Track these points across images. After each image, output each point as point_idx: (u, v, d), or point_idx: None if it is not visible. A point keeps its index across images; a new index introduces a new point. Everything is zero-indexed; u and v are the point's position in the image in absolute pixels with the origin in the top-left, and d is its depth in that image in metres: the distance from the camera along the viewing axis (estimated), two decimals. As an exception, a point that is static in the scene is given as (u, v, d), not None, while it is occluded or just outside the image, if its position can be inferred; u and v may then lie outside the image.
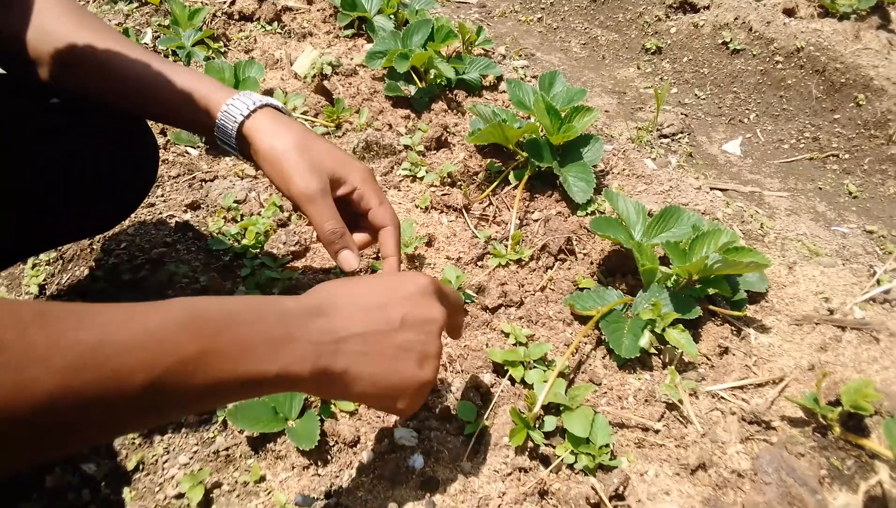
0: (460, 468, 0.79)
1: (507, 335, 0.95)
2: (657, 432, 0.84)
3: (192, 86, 0.75)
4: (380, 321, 0.59)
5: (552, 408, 0.85)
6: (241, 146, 0.75)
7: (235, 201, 1.19)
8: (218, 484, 0.78)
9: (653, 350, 0.92)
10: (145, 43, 1.63)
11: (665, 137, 1.69)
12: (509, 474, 0.79)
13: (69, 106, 0.82)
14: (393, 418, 0.85)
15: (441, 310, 0.64)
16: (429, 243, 1.13)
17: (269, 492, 0.77)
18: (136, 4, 1.78)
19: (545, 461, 0.81)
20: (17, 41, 0.75)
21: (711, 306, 0.99)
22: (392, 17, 1.70)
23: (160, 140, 1.33)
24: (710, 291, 0.96)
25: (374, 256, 1.09)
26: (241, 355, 0.50)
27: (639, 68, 2.00)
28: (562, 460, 0.79)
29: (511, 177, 1.23)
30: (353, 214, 0.76)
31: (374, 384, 0.59)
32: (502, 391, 0.88)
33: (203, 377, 0.48)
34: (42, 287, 1.20)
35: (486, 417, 0.84)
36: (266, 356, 0.52)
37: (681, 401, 0.85)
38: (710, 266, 0.92)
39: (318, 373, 0.55)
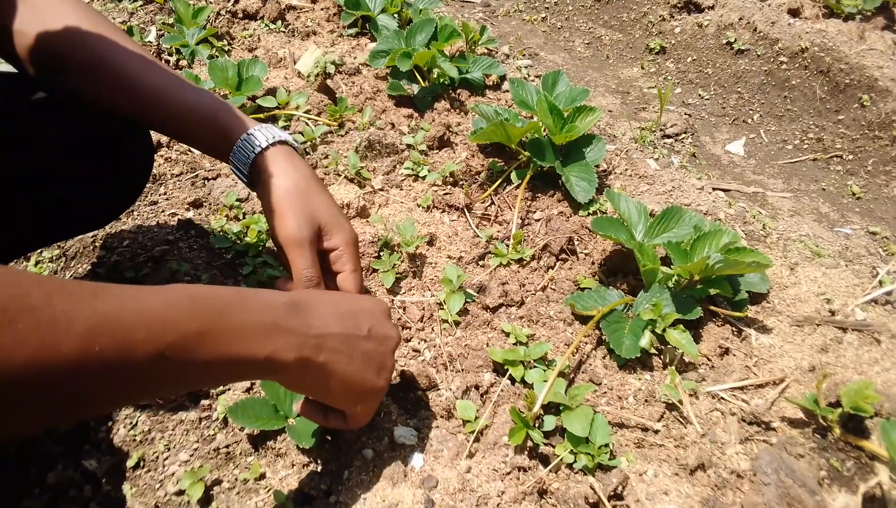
0: (459, 466, 0.79)
1: (508, 335, 0.95)
2: (657, 432, 0.84)
3: (212, 109, 0.79)
4: (352, 327, 0.66)
5: (552, 408, 0.85)
6: (251, 174, 0.78)
7: (238, 200, 1.20)
8: (218, 482, 0.78)
9: (653, 351, 0.92)
10: (149, 41, 1.63)
11: (668, 137, 1.69)
12: (508, 473, 0.79)
13: (61, 101, 0.82)
14: (393, 415, 0.85)
15: (397, 331, 0.72)
16: (430, 243, 1.13)
17: (269, 490, 0.77)
18: (140, 2, 1.78)
19: (544, 460, 0.81)
20: (8, 36, 0.75)
21: (712, 307, 0.99)
22: (395, 16, 1.70)
23: (163, 138, 1.33)
24: (712, 291, 0.96)
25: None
26: (235, 337, 0.55)
27: (643, 68, 2.00)
28: (561, 459, 0.79)
29: (513, 176, 1.23)
30: (324, 269, 0.78)
31: (343, 382, 0.65)
32: (502, 390, 0.88)
33: (201, 355, 0.52)
34: (45, 284, 1.20)
35: (485, 416, 0.84)
36: (257, 340, 0.57)
37: (681, 401, 0.85)
38: (711, 266, 0.92)
39: (302, 362, 0.60)
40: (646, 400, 0.87)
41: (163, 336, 0.50)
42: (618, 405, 0.87)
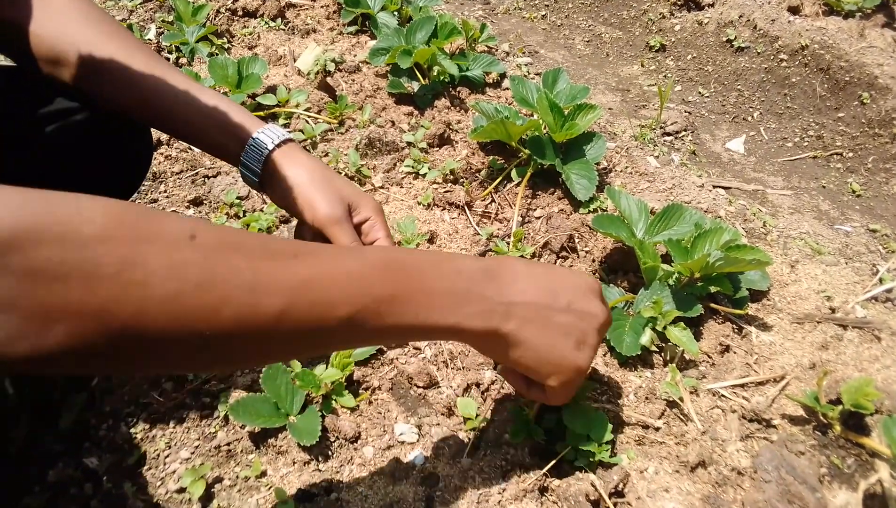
0: (461, 464, 0.80)
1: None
2: (657, 429, 0.84)
3: (222, 110, 0.79)
4: (548, 297, 0.64)
5: (553, 406, 0.85)
6: (264, 173, 0.80)
7: (238, 198, 1.20)
8: (219, 479, 0.79)
9: (654, 348, 0.92)
10: (149, 39, 1.63)
11: (668, 134, 1.68)
12: (510, 470, 0.79)
13: (62, 100, 0.82)
14: (394, 413, 0.85)
15: (604, 310, 0.69)
16: (430, 240, 1.13)
17: (270, 487, 0.77)
18: (139, 0, 1.78)
19: (545, 458, 0.81)
20: (23, 35, 0.75)
21: (713, 305, 0.99)
22: (396, 13, 1.70)
23: (163, 135, 1.33)
24: (712, 289, 0.96)
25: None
26: (426, 302, 0.57)
27: (643, 66, 2.00)
28: (562, 457, 0.80)
29: (513, 174, 1.23)
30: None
31: (534, 352, 0.64)
32: (503, 388, 0.88)
33: (391, 318, 0.55)
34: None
35: (486, 414, 0.85)
36: (447, 307, 0.58)
37: (681, 399, 0.85)
38: (711, 264, 0.92)
39: (488, 331, 0.61)
40: (646, 398, 0.87)
41: (357, 299, 0.52)
42: (618, 403, 0.87)
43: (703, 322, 0.98)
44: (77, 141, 0.83)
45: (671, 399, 0.86)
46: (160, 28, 1.67)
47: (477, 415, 0.84)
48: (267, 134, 0.79)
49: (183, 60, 1.60)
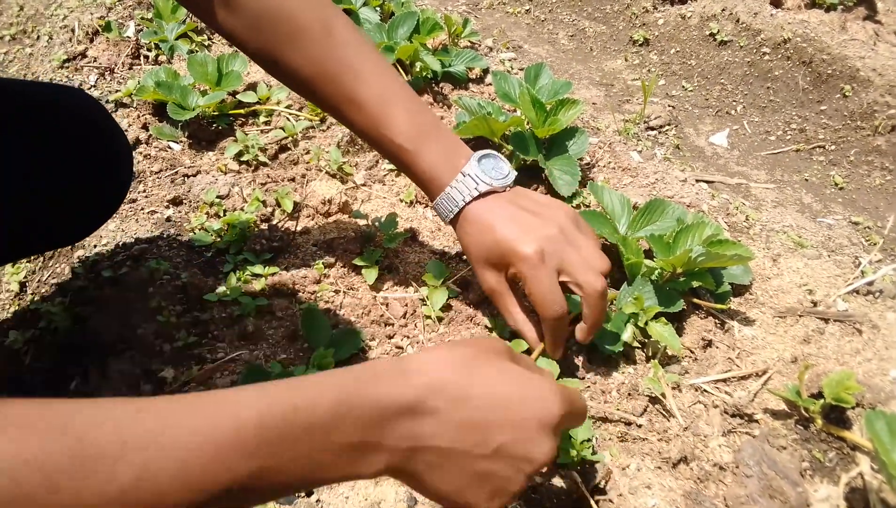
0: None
1: (491, 330, 0.95)
2: (640, 426, 0.83)
3: (415, 151, 0.80)
4: (471, 443, 0.52)
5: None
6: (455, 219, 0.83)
7: (218, 197, 1.18)
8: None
9: (636, 344, 0.92)
10: (128, 36, 1.61)
11: (652, 129, 1.68)
12: (492, 469, 0.78)
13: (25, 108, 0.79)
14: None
15: (548, 454, 0.55)
16: (413, 238, 1.12)
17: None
18: (118, -3, 1.75)
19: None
20: None
21: (695, 300, 0.99)
22: (378, 9, 1.68)
23: (142, 134, 1.32)
24: (695, 284, 0.96)
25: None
26: (304, 468, 0.46)
27: (626, 60, 2.00)
28: (545, 455, 0.79)
29: (496, 170, 1.23)
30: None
31: (435, 495, 0.54)
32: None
33: (252, 495, 0.44)
34: (23, 285, 1.19)
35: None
36: (333, 465, 0.47)
37: (663, 395, 0.85)
38: (693, 259, 0.92)
39: (383, 472, 0.51)
40: (629, 394, 0.87)
41: (206, 487, 0.41)
42: (601, 400, 0.86)
43: (686, 318, 0.98)
44: (51, 162, 0.81)
45: (654, 395, 0.86)
46: (139, 25, 1.65)
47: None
48: (455, 194, 0.80)
49: (163, 58, 1.58)
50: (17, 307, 1.14)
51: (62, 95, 0.87)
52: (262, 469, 0.43)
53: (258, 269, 1.03)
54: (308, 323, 0.91)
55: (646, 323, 0.90)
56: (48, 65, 1.59)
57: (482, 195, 0.80)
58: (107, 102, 1.43)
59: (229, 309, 0.98)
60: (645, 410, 0.85)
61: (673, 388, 0.87)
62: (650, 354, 0.92)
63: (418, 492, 0.55)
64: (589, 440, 0.79)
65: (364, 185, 1.23)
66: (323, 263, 1.04)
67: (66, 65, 1.56)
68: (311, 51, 0.77)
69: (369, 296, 1.01)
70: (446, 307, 0.99)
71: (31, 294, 1.15)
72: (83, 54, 1.58)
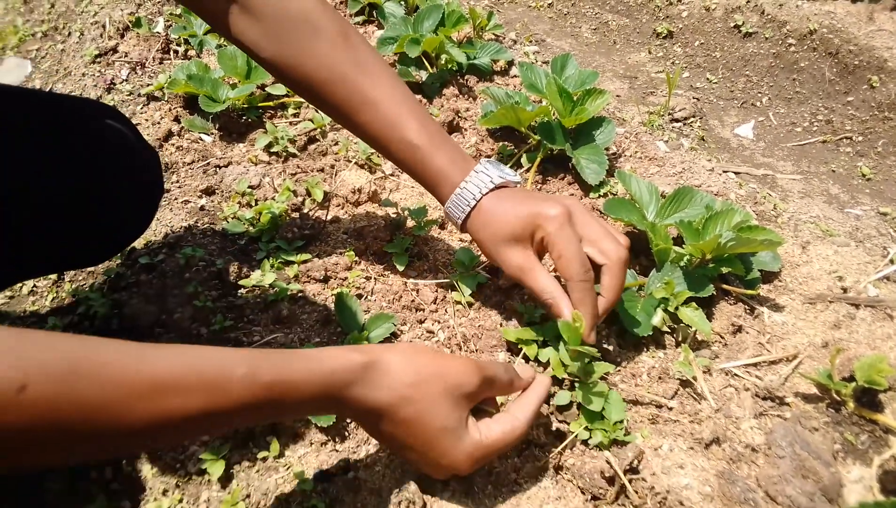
0: (476, 444, 0.80)
1: (522, 315, 0.96)
2: (670, 408, 0.84)
3: (428, 154, 0.83)
4: (398, 443, 0.67)
5: (566, 383, 0.86)
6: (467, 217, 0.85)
7: (250, 187, 1.20)
8: (238, 461, 0.80)
9: (666, 329, 0.92)
10: (157, 32, 1.64)
11: (677, 121, 1.68)
12: (524, 449, 0.80)
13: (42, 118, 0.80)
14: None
15: (442, 478, 0.73)
16: (441, 226, 1.13)
17: (289, 467, 0.78)
18: (148, -7, 1.78)
19: (560, 437, 0.81)
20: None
21: (724, 286, 0.99)
22: (402, 3, 1.70)
23: (174, 126, 1.34)
24: (724, 270, 0.97)
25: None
26: (271, 417, 0.69)
27: (650, 53, 2.00)
28: (576, 436, 0.80)
29: (524, 160, 1.24)
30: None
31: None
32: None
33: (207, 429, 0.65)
34: (61, 273, 1.21)
35: (500, 394, 0.85)
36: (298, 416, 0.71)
37: (694, 378, 0.86)
38: (723, 245, 0.92)
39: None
40: (659, 377, 0.87)
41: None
42: (632, 383, 0.87)
43: (715, 303, 0.98)
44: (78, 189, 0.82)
45: (684, 379, 0.87)
46: (168, 21, 1.67)
47: (491, 396, 0.85)
48: (465, 194, 0.82)
49: (191, 53, 1.60)
50: (54, 295, 1.17)
51: (96, 118, 0.86)
52: (237, 413, 0.56)
53: (291, 256, 1.05)
54: (341, 308, 0.93)
55: (676, 308, 0.91)
56: (80, 60, 1.62)
57: (496, 189, 0.82)
58: (139, 95, 1.46)
59: (264, 294, 1.00)
60: (676, 393, 0.86)
61: (704, 372, 0.88)
62: (679, 339, 0.93)
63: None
64: (621, 421, 0.80)
65: (392, 175, 1.25)
66: (354, 250, 1.06)
67: (98, 60, 1.59)
68: (329, 54, 0.80)
69: (400, 282, 1.02)
70: (476, 293, 1.00)
71: (69, 282, 1.18)
72: (114, 50, 1.61)
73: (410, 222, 1.10)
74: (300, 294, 1.00)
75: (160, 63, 1.56)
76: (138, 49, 1.59)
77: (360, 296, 1.00)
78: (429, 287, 1.01)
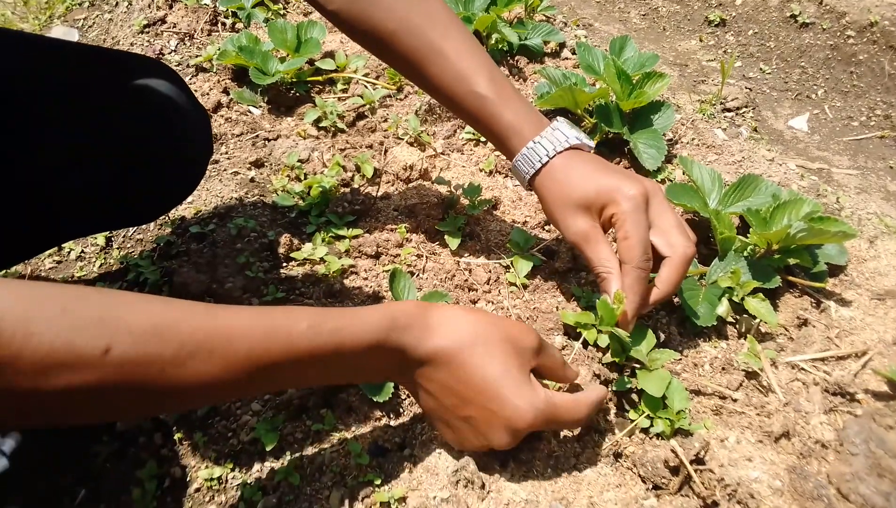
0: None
1: (579, 299, 0.93)
2: (735, 400, 0.81)
3: (498, 109, 0.80)
4: (450, 404, 0.65)
5: (627, 369, 0.83)
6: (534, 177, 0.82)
7: (299, 160, 1.19)
8: (291, 432, 0.78)
9: (730, 319, 0.89)
10: (206, 3, 1.63)
11: (729, 110, 1.64)
12: (584, 435, 0.77)
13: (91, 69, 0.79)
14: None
15: (502, 445, 0.65)
16: (494, 206, 1.11)
17: (343, 441, 0.77)
18: (196, -34, 1.77)
19: (620, 425, 0.79)
20: None
21: (790, 278, 0.96)
22: (453, -18, 1.67)
23: (223, 98, 1.33)
24: (790, 261, 0.93)
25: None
26: (332, 376, 0.66)
27: (701, 41, 1.95)
28: (636, 424, 0.78)
29: (578, 142, 1.21)
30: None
31: (425, 410, 0.70)
32: (575, 354, 0.86)
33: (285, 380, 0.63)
34: (109, 239, 1.21)
35: (558, 378, 0.83)
36: (354, 377, 0.69)
37: (761, 370, 0.83)
38: (792, 235, 0.89)
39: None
40: (723, 368, 0.85)
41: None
42: (694, 373, 0.85)
43: (780, 296, 0.95)
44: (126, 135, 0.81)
45: (749, 370, 0.84)
46: (217, -7, 1.66)
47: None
48: (532, 155, 0.80)
49: (239, 25, 1.59)
50: (102, 261, 1.17)
51: (150, 72, 0.85)
52: (301, 369, 0.58)
53: (342, 231, 1.04)
54: (395, 283, 0.91)
55: (741, 298, 0.88)
56: (128, 30, 1.62)
57: (570, 150, 0.79)
58: (187, 66, 1.45)
59: (315, 267, 0.98)
60: (741, 385, 0.83)
61: (770, 364, 0.85)
62: (743, 330, 0.90)
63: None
64: (684, 410, 0.77)
65: (443, 153, 1.23)
66: (405, 227, 1.04)
67: (147, 30, 1.58)
68: (397, 4, 0.78)
69: (451, 261, 1.00)
70: (531, 275, 0.98)
71: (117, 249, 1.17)
72: (162, 20, 1.60)
73: (464, 201, 1.08)
74: (351, 269, 0.98)
75: (208, 35, 1.55)
76: (186, 20, 1.58)
77: (411, 274, 0.98)
78: (482, 267, 0.99)
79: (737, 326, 0.90)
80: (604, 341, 0.86)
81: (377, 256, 1.01)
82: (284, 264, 0.99)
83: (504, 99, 0.79)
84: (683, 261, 0.76)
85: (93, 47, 0.83)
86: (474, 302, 0.95)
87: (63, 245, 1.22)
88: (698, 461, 0.73)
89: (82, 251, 1.21)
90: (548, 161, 0.79)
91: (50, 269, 1.19)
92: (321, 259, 0.99)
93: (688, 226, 0.79)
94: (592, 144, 0.83)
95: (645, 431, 0.79)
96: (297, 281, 0.97)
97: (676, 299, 0.93)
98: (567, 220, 0.79)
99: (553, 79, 1.22)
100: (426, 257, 1.01)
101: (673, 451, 0.73)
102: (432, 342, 0.62)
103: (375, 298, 0.95)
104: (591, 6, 2.10)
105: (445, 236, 1.03)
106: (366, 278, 0.97)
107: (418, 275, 0.99)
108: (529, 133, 0.80)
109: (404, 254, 1.00)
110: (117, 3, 1.78)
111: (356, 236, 1.03)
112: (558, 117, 0.82)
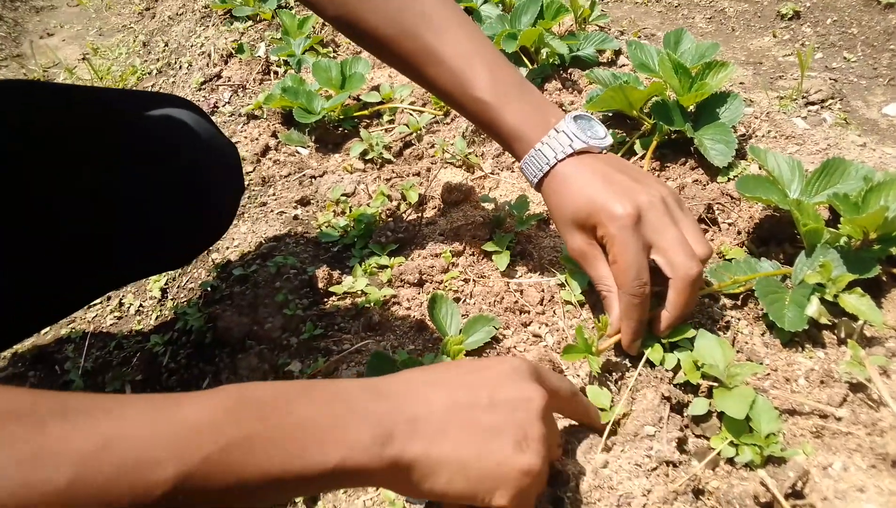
0: (594, 461, 0.68)
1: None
2: (839, 418, 0.68)
3: (497, 110, 0.74)
4: (463, 396, 0.51)
5: (703, 390, 0.72)
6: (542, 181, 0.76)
7: (344, 194, 1.15)
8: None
9: (824, 321, 0.76)
10: (259, 56, 1.66)
11: (812, 103, 1.49)
12: (655, 469, 0.66)
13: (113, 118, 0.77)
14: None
15: (539, 390, 0.54)
16: (546, 221, 1.02)
17: (378, 490, 0.69)
18: (250, 22, 1.82)
19: (699, 455, 0.67)
20: None
21: (893, 270, 0.82)
22: (499, 4, 1.63)
23: (271, 141, 1.32)
24: (893, 250, 0.79)
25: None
26: (295, 438, 0.43)
27: (775, 36, 1.81)
28: (719, 452, 0.66)
29: (637, 146, 1.11)
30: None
31: (463, 472, 0.48)
32: (640, 375, 0.75)
33: (249, 468, 0.41)
34: (164, 291, 1.21)
35: (622, 403, 0.72)
36: (325, 440, 0.44)
37: (868, 380, 0.69)
38: (891, 219, 0.76)
39: (388, 465, 0.46)
40: (821, 381, 0.71)
41: (187, 454, 0.40)
42: (786, 389, 0.72)
43: (884, 291, 0.81)
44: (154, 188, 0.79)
45: (854, 382, 0.70)
46: (269, 45, 1.69)
47: (611, 405, 0.72)
48: (540, 157, 0.73)
49: (291, 72, 1.61)
50: (157, 313, 1.16)
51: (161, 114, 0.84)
52: (248, 437, 0.42)
53: (384, 260, 0.98)
54: (436, 310, 0.84)
55: (835, 296, 0.75)
56: (188, 89, 1.66)
57: (576, 154, 0.72)
58: (239, 115, 1.46)
59: (355, 301, 0.93)
60: (844, 399, 0.69)
61: (879, 373, 0.71)
62: (843, 334, 0.76)
63: (442, 492, 0.48)
64: (775, 433, 0.65)
65: (492, 173, 1.16)
66: (451, 251, 0.97)
67: (203, 86, 1.62)
68: (392, 7, 0.74)
69: (501, 283, 0.92)
70: (587, 292, 0.88)
71: (171, 300, 1.17)
72: (218, 75, 1.64)
73: (511, 220, 1.00)
74: (393, 299, 0.92)
75: (260, 84, 1.57)
76: (240, 73, 1.61)
77: (457, 300, 0.91)
78: (534, 287, 0.90)
79: (835, 330, 0.77)
80: (671, 361, 0.75)
81: (420, 283, 0.94)
82: (324, 300, 0.94)
83: (505, 101, 0.73)
84: (685, 282, 0.68)
85: (113, 90, 0.83)
86: (526, 325, 0.86)
87: (123, 302, 1.23)
88: (795, 494, 0.60)
89: (140, 305, 1.22)
90: (549, 170, 0.73)
91: (111, 325, 1.20)
92: (361, 292, 0.93)
93: (702, 238, 0.70)
94: (607, 141, 0.75)
95: (731, 461, 0.67)
96: (337, 316, 0.91)
97: (761, 307, 0.81)
98: (566, 236, 0.74)
99: (602, 80, 1.13)
100: (473, 280, 0.93)
101: (763, 483, 0.60)
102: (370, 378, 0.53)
103: (418, 328, 0.88)
104: (653, 16, 2.00)
105: (493, 257, 0.95)
106: (408, 308, 0.90)
107: (465, 300, 0.91)
108: (533, 137, 0.73)
109: (448, 279, 0.93)
110: (180, 67, 1.85)
111: (399, 265, 0.97)
112: (567, 115, 0.74)
